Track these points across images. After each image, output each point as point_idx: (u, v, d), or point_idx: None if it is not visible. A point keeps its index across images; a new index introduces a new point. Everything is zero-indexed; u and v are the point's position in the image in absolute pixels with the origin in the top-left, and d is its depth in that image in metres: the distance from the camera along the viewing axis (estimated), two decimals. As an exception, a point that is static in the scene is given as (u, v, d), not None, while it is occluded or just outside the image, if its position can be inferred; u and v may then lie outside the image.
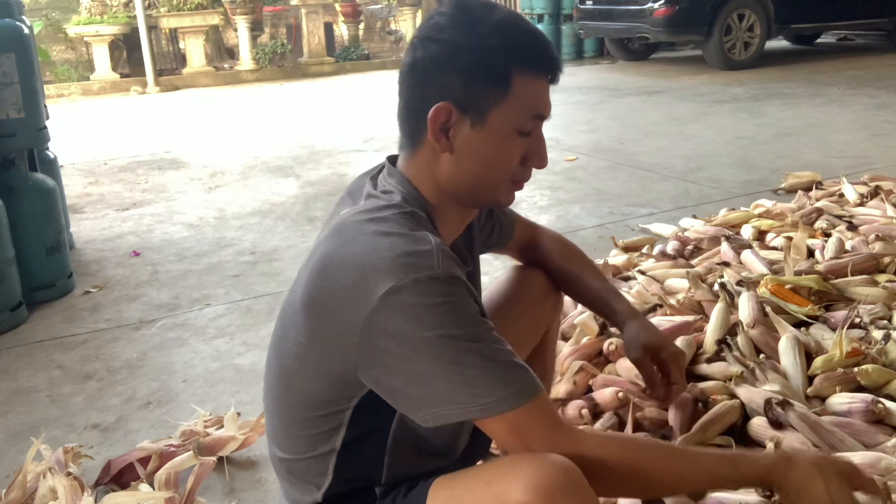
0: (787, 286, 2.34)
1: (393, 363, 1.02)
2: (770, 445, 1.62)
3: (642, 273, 2.68)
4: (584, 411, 1.87)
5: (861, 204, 3.26)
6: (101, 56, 10.46)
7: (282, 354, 1.17)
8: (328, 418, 1.14)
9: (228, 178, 5.04)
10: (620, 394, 1.89)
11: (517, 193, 1.23)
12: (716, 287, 2.36)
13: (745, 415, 1.81)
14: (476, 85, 1.10)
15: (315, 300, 1.10)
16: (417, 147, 1.16)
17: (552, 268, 1.62)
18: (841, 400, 1.80)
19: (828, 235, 2.86)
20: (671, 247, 2.93)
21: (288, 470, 1.21)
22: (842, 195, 3.41)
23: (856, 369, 1.89)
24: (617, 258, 2.92)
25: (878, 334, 2.05)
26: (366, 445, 1.15)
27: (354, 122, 6.86)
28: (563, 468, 1.02)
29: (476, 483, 1.06)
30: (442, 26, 1.12)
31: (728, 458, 1.11)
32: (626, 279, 2.70)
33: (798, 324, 2.21)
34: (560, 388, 1.95)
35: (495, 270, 1.67)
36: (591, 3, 9.56)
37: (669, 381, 1.54)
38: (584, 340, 2.19)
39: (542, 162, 1.18)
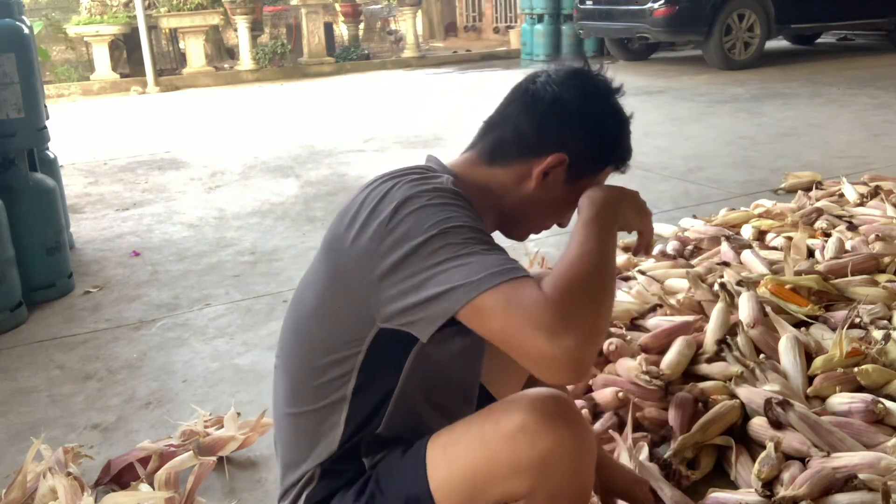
0: (787, 286, 2.34)
1: (404, 273, 1.06)
2: (770, 446, 1.62)
3: (642, 273, 2.68)
4: (585, 411, 1.87)
5: (861, 204, 3.26)
6: (101, 56, 10.47)
7: (298, 306, 1.25)
8: (341, 364, 1.17)
9: (228, 178, 5.04)
10: (620, 394, 1.89)
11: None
12: (716, 287, 2.36)
13: (745, 415, 1.81)
14: (591, 158, 1.27)
15: (336, 237, 1.17)
16: (501, 164, 1.26)
17: None
18: (841, 400, 1.81)
19: (828, 235, 2.86)
20: (671, 247, 2.93)
21: (296, 427, 1.24)
22: (842, 195, 3.41)
23: (856, 369, 1.89)
24: (617, 258, 2.92)
25: (878, 334, 2.05)
26: (375, 392, 1.19)
27: (354, 122, 6.86)
28: (557, 397, 1.13)
29: (475, 419, 1.14)
30: (597, 95, 1.26)
31: (579, 232, 1.15)
32: (626, 279, 2.70)
33: (798, 324, 2.22)
34: (560, 388, 1.95)
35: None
36: (591, 3, 9.56)
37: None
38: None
39: (567, 225, 1.35)
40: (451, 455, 1.12)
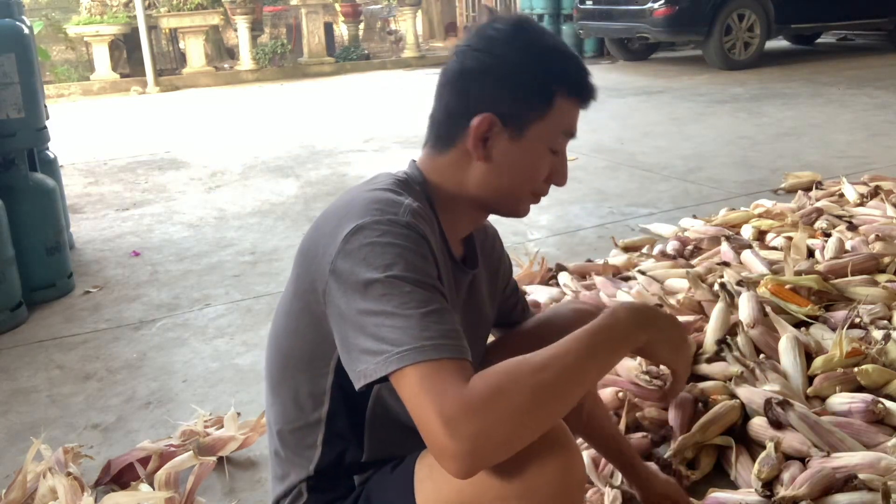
0: (787, 286, 2.34)
1: (342, 308, 1.03)
2: (770, 446, 1.62)
3: (642, 273, 2.68)
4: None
5: (861, 204, 3.26)
6: (101, 56, 10.47)
7: (276, 320, 1.22)
8: (313, 382, 1.16)
9: (228, 178, 5.04)
10: (620, 394, 1.89)
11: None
12: (716, 287, 2.36)
13: (745, 415, 1.81)
14: (522, 101, 1.16)
15: (302, 252, 1.15)
16: (448, 148, 1.21)
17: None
18: (841, 400, 1.81)
19: (828, 235, 2.86)
20: (671, 247, 2.93)
21: (282, 442, 1.23)
22: (842, 195, 3.41)
23: (856, 369, 1.89)
24: (617, 258, 2.92)
25: (878, 334, 2.05)
26: (348, 416, 1.18)
27: (354, 122, 6.86)
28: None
29: None
30: (496, 40, 1.17)
31: (577, 335, 1.02)
32: (626, 279, 2.70)
33: (798, 324, 2.21)
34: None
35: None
36: (591, 3, 9.56)
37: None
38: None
39: (563, 180, 1.24)
40: (437, 477, 1.07)
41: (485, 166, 1.18)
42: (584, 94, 1.19)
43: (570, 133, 1.21)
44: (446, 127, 1.20)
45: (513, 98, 1.15)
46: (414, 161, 1.27)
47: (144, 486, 1.74)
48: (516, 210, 1.24)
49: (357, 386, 1.01)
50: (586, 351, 1.00)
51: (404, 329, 0.97)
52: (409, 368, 0.96)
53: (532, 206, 1.28)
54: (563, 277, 2.73)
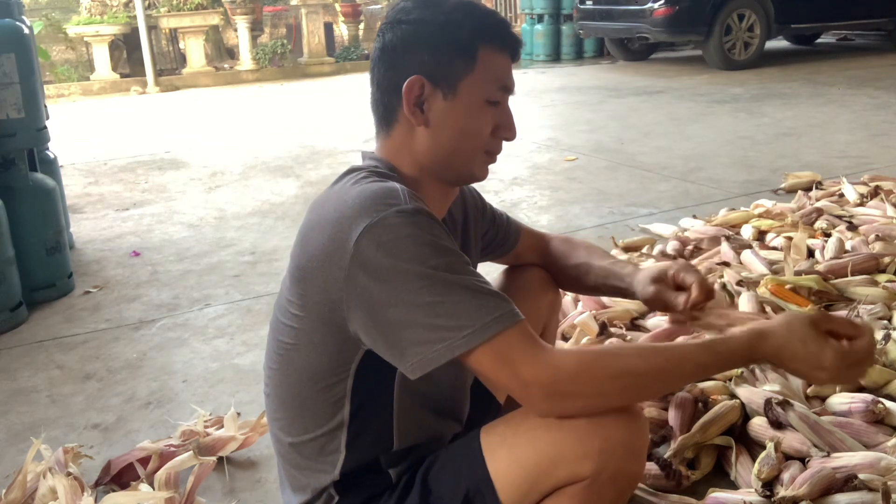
0: (787, 286, 2.34)
1: (377, 309, 1.04)
2: (770, 446, 1.62)
3: (642, 273, 2.68)
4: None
5: (861, 204, 3.26)
6: (101, 56, 10.47)
7: (279, 334, 1.20)
8: (331, 390, 1.15)
9: (228, 178, 5.04)
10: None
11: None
12: (716, 287, 2.35)
13: (745, 415, 1.81)
14: (445, 57, 1.17)
15: (300, 268, 1.14)
16: (392, 126, 1.22)
17: (562, 265, 1.61)
18: (841, 400, 1.81)
19: (828, 235, 2.86)
20: (671, 247, 2.93)
21: (299, 454, 1.21)
22: (842, 195, 3.41)
23: (856, 369, 1.89)
24: (615, 257, 2.92)
25: (878, 334, 2.05)
26: (373, 414, 1.18)
27: (354, 122, 6.86)
28: None
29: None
30: (408, 9, 1.21)
31: (705, 345, 1.12)
32: (626, 279, 2.69)
33: (798, 324, 2.21)
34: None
35: (496, 269, 1.67)
36: (591, 3, 9.56)
37: (688, 288, 1.43)
38: (584, 340, 2.19)
39: (511, 133, 1.25)
40: (513, 443, 1.12)
41: (427, 131, 1.19)
42: (505, 41, 1.21)
43: (507, 88, 1.23)
44: (384, 104, 1.22)
45: (436, 56, 1.17)
46: (368, 154, 1.26)
47: (144, 486, 1.74)
48: (472, 172, 1.25)
49: (413, 376, 1.04)
50: (712, 366, 1.12)
51: (461, 313, 1.01)
52: (482, 347, 1.01)
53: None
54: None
